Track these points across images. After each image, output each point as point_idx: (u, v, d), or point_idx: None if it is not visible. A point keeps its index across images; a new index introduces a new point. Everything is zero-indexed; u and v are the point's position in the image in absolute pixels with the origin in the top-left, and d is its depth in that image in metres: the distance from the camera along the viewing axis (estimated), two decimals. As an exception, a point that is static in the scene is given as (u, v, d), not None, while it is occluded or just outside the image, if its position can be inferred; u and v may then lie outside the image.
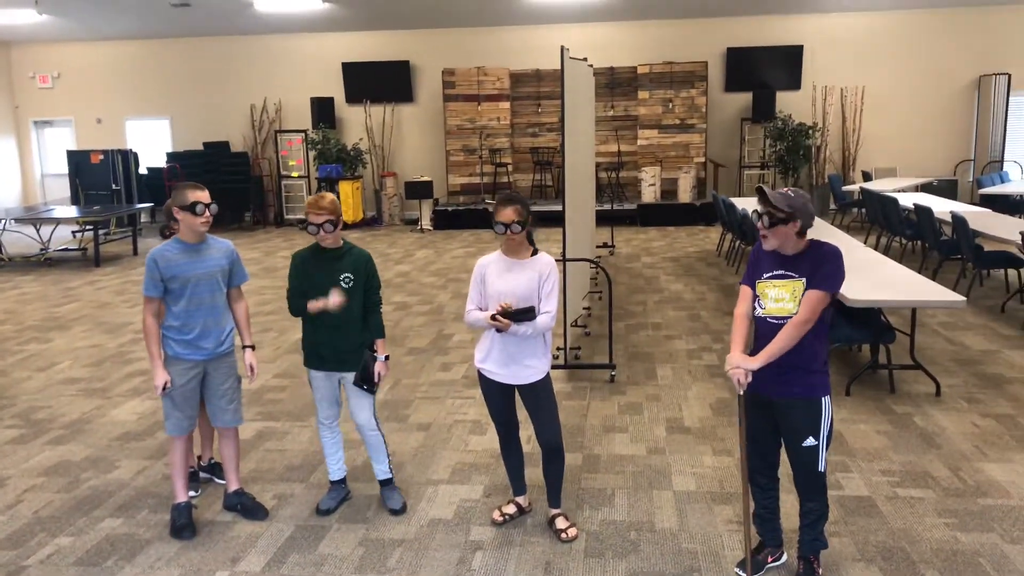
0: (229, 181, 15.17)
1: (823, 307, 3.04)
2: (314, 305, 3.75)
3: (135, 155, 15.34)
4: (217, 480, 4.37)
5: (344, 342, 3.87)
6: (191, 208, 3.67)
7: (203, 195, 3.70)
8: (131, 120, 16.59)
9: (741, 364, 3.09)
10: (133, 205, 14.44)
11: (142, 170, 15.46)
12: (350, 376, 3.90)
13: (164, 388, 3.74)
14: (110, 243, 13.24)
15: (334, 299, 3.74)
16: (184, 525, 3.86)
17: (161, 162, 15.41)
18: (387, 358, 4.00)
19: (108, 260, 11.90)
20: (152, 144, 16.34)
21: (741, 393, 3.17)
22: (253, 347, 4.05)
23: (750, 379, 3.10)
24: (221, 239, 3.93)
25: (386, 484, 4.12)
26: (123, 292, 9.66)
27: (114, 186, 14.85)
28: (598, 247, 11.28)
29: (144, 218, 16.05)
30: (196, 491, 4.28)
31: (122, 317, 8.36)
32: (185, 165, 14.99)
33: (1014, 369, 6.01)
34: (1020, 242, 7.14)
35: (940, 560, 3.48)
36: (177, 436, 3.86)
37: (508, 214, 3.53)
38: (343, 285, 3.81)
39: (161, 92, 16.32)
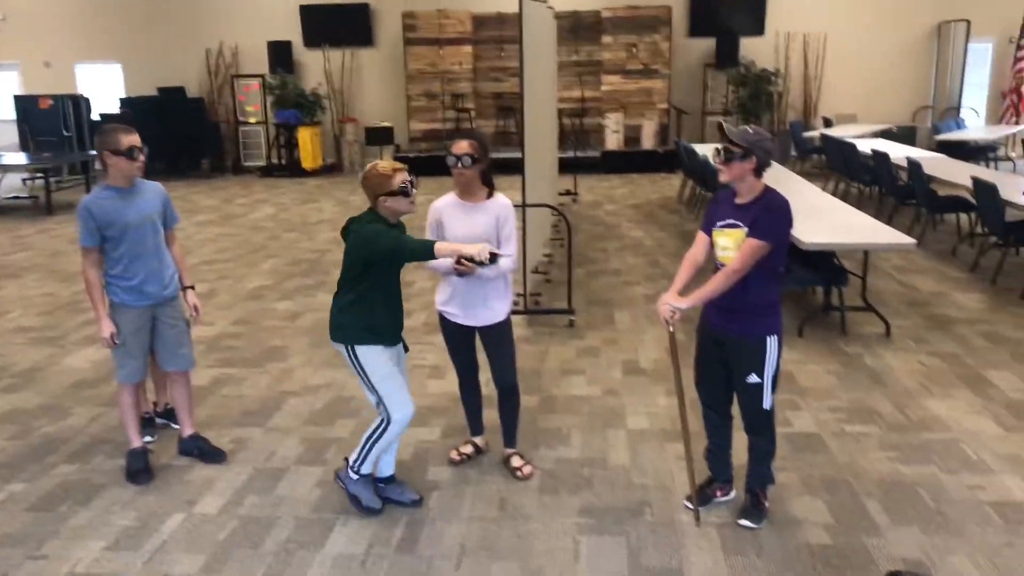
0: (185, 127, 14.82)
1: (758, 256, 3.08)
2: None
3: (87, 101, 14.90)
4: (173, 426, 4.34)
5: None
6: (128, 153, 3.57)
7: (136, 138, 3.60)
8: (81, 65, 16.06)
9: (669, 301, 3.20)
10: (86, 152, 14.05)
11: (94, 116, 15.04)
12: None
13: (111, 338, 3.70)
14: (63, 191, 12.93)
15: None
16: (140, 470, 3.85)
17: (114, 108, 14.99)
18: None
19: (61, 208, 11.62)
20: (104, 89, 15.87)
21: (671, 331, 3.28)
22: (193, 287, 4.04)
23: (678, 317, 3.20)
24: (151, 181, 3.85)
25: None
26: (77, 240, 9.45)
27: (65, 132, 14.44)
28: (561, 194, 11.25)
29: (98, 165, 15.63)
30: (152, 437, 4.27)
31: (76, 266, 8.19)
32: (139, 111, 14.54)
33: (961, 310, 6.16)
34: (971, 187, 7.25)
35: (881, 491, 3.60)
36: (129, 384, 3.83)
37: (462, 146, 3.51)
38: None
39: (112, 36, 15.78)
